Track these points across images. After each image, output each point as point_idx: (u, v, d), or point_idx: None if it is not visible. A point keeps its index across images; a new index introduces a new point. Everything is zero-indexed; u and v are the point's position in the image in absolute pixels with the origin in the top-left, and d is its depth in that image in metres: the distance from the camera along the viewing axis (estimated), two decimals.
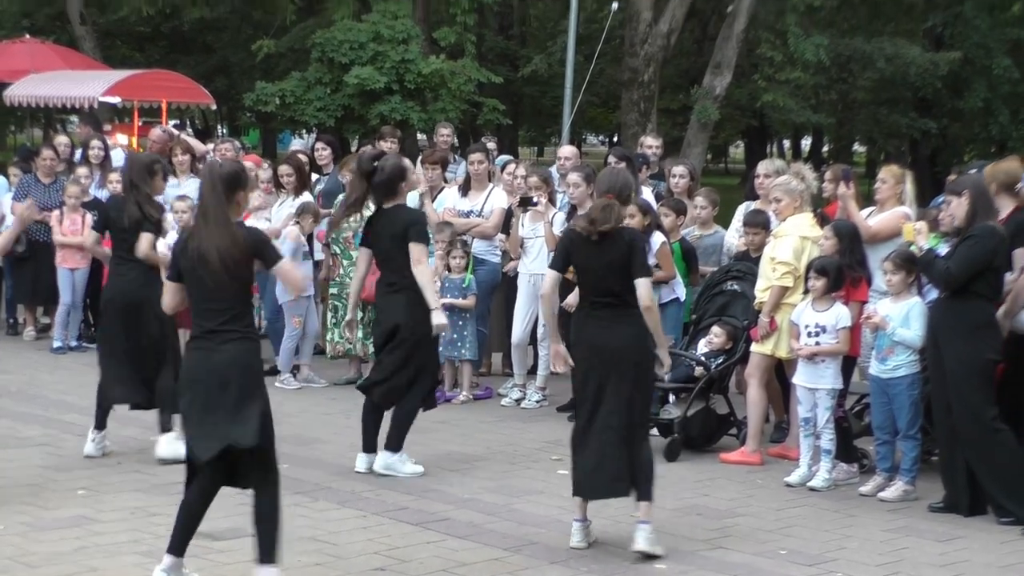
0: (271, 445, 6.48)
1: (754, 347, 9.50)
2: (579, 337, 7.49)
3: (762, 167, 11.16)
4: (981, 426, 8.10)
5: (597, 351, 7.32)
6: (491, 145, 13.95)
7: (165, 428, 8.99)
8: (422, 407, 8.95)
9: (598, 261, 7.31)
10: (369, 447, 8.87)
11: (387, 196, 8.85)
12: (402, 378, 8.77)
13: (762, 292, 9.42)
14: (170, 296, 6.63)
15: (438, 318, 8.73)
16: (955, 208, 8.30)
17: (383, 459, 8.81)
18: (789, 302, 9.24)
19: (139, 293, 8.98)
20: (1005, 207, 8.57)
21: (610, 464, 7.24)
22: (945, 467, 8.47)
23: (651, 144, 13.60)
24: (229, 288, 6.34)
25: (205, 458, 6.38)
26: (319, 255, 12.26)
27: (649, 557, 7.10)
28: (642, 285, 7.22)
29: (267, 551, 6.32)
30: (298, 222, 11.59)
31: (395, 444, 8.83)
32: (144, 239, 9.01)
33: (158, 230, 9.18)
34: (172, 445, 8.66)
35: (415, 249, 8.71)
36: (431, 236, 11.42)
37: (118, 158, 14.85)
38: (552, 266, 7.68)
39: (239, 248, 6.29)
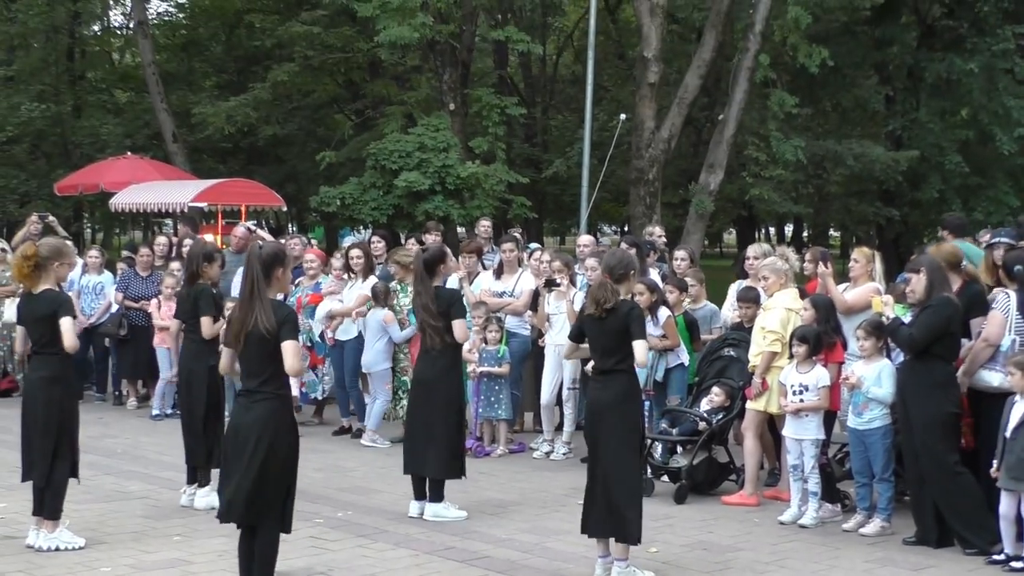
0: (274, 492, 6.36)
1: (749, 404, 9.46)
2: (587, 395, 7.64)
3: (751, 250, 11.17)
4: (945, 471, 8.06)
5: (592, 406, 7.41)
6: (517, 235, 13.98)
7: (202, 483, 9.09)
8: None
9: (601, 331, 7.36)
10: (419, 495, 8.85)
11: (429, 274, 8.92)
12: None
13: (755, 356, 9.40)
14: (224, 359, 6.68)
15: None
16: (915, 283, 8.35)
17: (431, 509, 8.79)
18: (778, 365, 9.21)
19: (187, 365, 9.13)
20: (955, 282, 8.64)
21: (596, 507, 7.29)
22: (915, 506, 8.42)
23: (657, 233, 13.72)
24: (262, 354, 6.32)
25: (221, 520, 6.43)
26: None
27: None
28: (638, 345, 7.21)
29: None
30: (386, 305, 11.64)
31: (436, 496, 8.82)
32: (204, 322, 9.06)
33: (218, 312, 9.20)
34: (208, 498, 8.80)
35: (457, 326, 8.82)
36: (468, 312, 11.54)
37: None
38: (569, 336, 7.94)
39: (270, 321, 6.27)
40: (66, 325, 7.76)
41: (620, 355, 7.27)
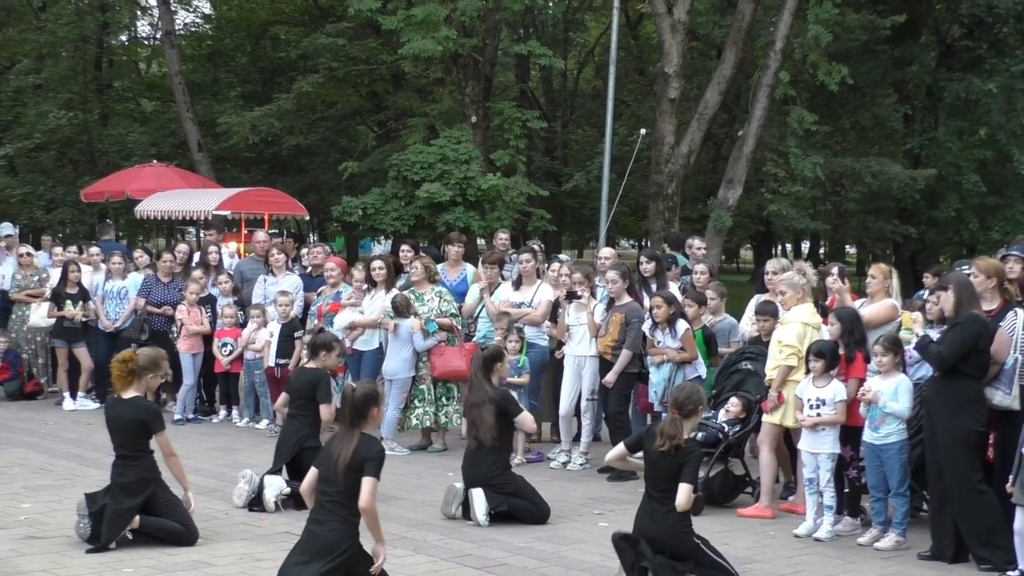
0: None
1: (765, 417, 9.45)
2: (637, 520, 7.54)
3: (770, 265, 11.14)
4: (967, 488, 8.03)
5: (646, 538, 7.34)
6: (536, 247, 13.99)
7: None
8: None
9: (659, 463, 7.38)
10: None
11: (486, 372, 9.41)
12: None
13: (771, 370, 9.39)
14: (307, 480, 6.85)
15: None
16: (943, 300, 8.29)
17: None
18: (794, 379, 9.20)
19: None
20: (995, 299, 8.41)
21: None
22: (935, 521, 8.36)
23: (697, 244, 13.74)
24: (340, 483, 6.56)
25: None
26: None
27: None
28: (683, 488, 7.25)
29: None
30: (415, 313, 11.71)
31: None
32: (324, 410, 9.41)
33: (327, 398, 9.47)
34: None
35: None
36: (492, 325, 11.65)
37: (227, 263, 15.06)
38: (625, 443, 7.95)
39: (356, 457, 6.52)
40: (163, 440, 8.02)
41: (671, 491, 7.29)
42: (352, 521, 6.57)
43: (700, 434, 9.65)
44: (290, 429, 9.45)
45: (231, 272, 14.43)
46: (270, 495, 9.06)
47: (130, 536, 7.94)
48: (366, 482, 6.49)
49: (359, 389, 6.83)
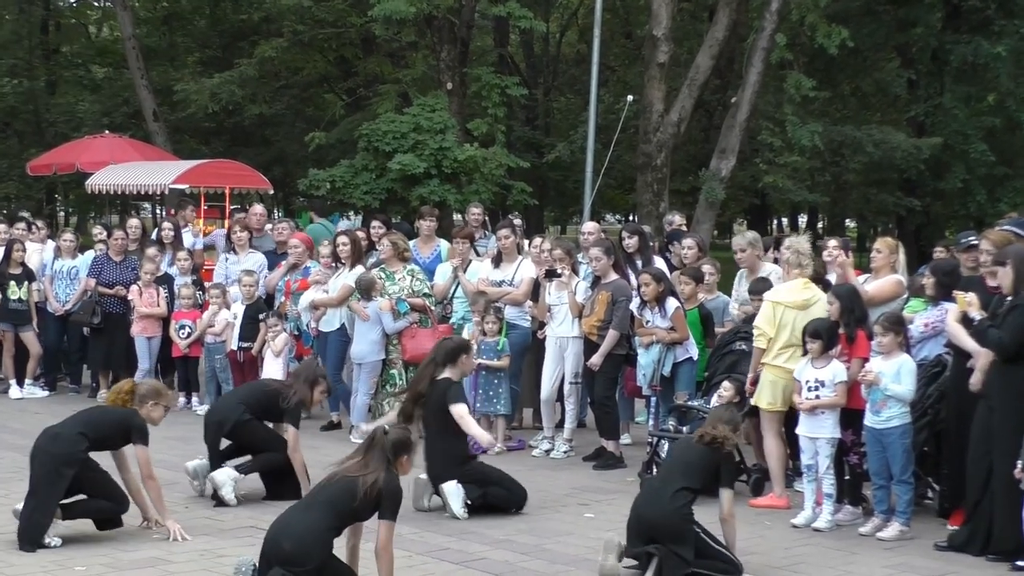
0: None
1: (753, 401, 9.44)
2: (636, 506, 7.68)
3: (735, 243, 11.19)
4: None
5: (641, 520, 7.51)
6: (517, 221, 13.98)
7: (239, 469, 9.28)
8: None
9: (691, 446, 7.81)
10: None
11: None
12: None
13: None
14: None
15: None
16: (1001, 277, 8.13)
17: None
18: (764, 361, 9.27)
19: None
20: None
21: None
22: (971, 512, 8.20)
23: (677, 221, 13.92)
24: (354, 515, 6.74)
25: None
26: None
27: None
28: (725, 495, 7.58)
29: None
30: (371, 298, 11.70)
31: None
32: (292, 434, 9.46)
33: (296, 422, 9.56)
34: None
35: None
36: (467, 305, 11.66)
37: (188, 240, 14.98)
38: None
39: (374, 493, 6.62)
40: (140, 457, 8.07)
41: (688, 480, 7.53)
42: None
43: (687, 427, 9.70)
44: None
45: (191, 249, 14.38)
46: (228, 493, 9.06)
47: (62, 521, 7.96)
48: (383, 525, 6.65)
49: (393, 433, 6.95)
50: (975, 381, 8.28)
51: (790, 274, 9.48)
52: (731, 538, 7.60)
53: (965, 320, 8.51)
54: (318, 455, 10.88)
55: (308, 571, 6.43)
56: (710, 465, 7.62)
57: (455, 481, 8.93)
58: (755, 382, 9.38)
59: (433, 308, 12.04)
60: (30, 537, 7.81)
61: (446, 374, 9.14)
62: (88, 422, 8.18)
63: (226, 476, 9.14)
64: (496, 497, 9.03)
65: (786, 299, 9.28)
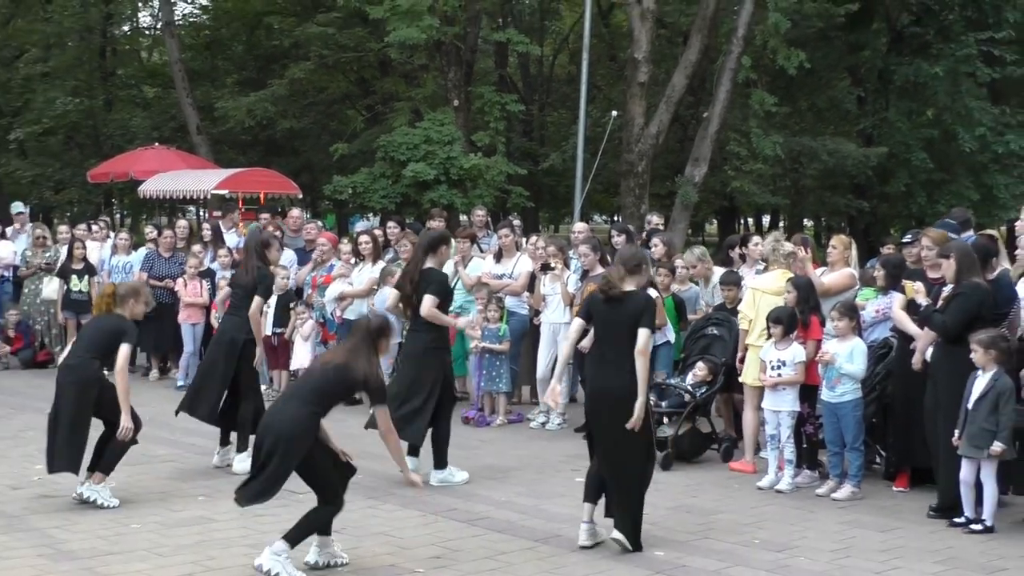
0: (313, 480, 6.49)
1: (741, 378, 9.42)
2: (588, 379, 7.39)
3: (683, 260, 11.05)
4: None
5: (599, 393, 7.10)
6: (516, 222, 13.93)
7: (241, 449, 9.03)
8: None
9: (610, 318, 7.06)
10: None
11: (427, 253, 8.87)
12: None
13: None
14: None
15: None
16: (945, 268, 8.08)
17: (436, 475, 8.76)
18: (747, 342, 9.24)
19: (239, 335, 9.12)
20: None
21: (593, 481, 7.18)
22: (943, 479, 8.04)
23: (656, 221, 13.82)
24: (336, 396, 6.51)
25: None
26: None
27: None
28: (642, 334, 6.89)
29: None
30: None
31: (440, 463, 8.79)
32: (255, 302, 9.08)
33: (266, 295, 9.25)
34: (244, 463, 8.64)
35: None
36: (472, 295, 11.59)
37: (233, 240, 14.93)
38: (578, 315, 7.47)
39: (359, 378, 6.44)
40: (121, 354, 7.84)
41: (626, 344, 6.91)
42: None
43: (665, 402, 9.67)
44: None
45: (233, 248, 14.35)
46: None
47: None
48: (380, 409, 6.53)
49: (375, 319, 6.81)
50: (915, 361, 8.29)
51: (771, 267, 9.47)
52: (643, 373, 6.89)
53: (909, 307, 8.52)
54: (343, 428, 10.85)
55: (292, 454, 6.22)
56: (628, 316, 6.99)
57: (439, 472, 8.71)
58: (743, 359, 9.34)
59: None
60: (69, 459, 7.73)
61: (428, 264, 8.84)
62: (91, 343, 7.98)
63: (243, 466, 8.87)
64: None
65: (764, 286, 9.30)
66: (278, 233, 13.69)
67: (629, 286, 7.07)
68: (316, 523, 6.47)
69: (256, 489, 6.35)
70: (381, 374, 6.65)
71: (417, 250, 9.06)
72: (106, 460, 7.96)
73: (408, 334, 9.03)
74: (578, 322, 7.36)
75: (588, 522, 7.17)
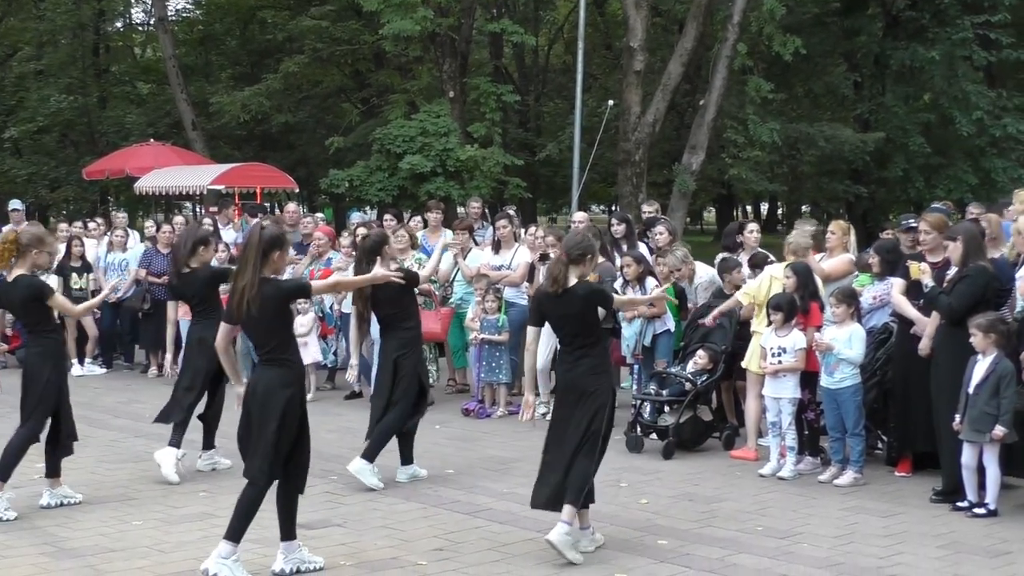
0: (275, 452, 6.22)
1: (743, 364, 9.41)
2: (558, 374, 7.16)
3: (665, 264, 10.99)
4: None
5: (565, 386, 6.88)
6: (513, 213, 13.90)
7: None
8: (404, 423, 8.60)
9: (558, 311, 6.74)
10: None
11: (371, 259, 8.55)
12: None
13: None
14: (221, 335, 6.40)
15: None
16: (951, 251, 8.05)
17: (404, 472, 8.67)
18: (759, 330, 9.20)
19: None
20: (940, 252, 8.25)
21: (552, 478, 6.77)
22: (946, 462, 8.03)
23: (648, 210, 13.73)
24: (261, 328, 6.14)
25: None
26: None
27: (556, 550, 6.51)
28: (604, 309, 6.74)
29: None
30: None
31: (371, 455, 8.43)
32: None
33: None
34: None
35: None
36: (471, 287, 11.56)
37: (231, 236, 14.90)
38: (529, 322, 7.06)
39: (262, 297, 6.02)
40: (57, 302, 7.76)
41: (582, 336, 6.69)
42: (285, 364, 6.18)
43: (667, 390, 9.67)
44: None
45: (230, 244, 14.33)
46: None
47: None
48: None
49: (268, 229, 6.17)
50: (924, 347, 8.26)
51: (787, 257, 9.41)
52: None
53: (908, 291, 8.51)
54: (341, 422, 10.92)
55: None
56: (576, 310, 6.73)
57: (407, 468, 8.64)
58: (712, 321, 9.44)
59: (437, 293, 12.01)
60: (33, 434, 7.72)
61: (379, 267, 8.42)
62: (12, 310, 7.90)
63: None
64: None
65: (778, 274, 9.26)
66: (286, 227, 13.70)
67: (572, 278, 6.71)
68: (242, 507, 6.18)
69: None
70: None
71: (359, 260, 8.73)
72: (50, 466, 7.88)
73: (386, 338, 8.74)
74: (532, 330, 6.98)
75: (584, 528, 6.94)
